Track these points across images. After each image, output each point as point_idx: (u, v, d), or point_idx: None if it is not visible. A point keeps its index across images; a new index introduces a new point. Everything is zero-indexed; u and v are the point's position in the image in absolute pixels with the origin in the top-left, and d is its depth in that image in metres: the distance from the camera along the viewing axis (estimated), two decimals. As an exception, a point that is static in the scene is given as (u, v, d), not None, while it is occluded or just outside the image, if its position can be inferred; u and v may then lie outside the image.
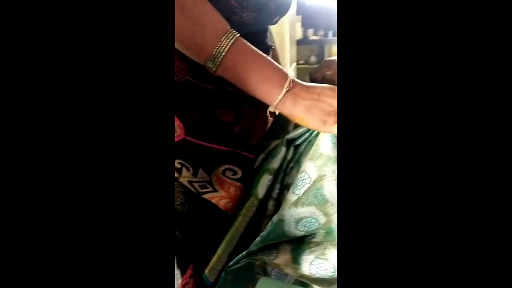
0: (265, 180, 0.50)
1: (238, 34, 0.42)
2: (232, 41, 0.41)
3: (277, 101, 0.43)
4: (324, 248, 0.47)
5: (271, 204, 0.50)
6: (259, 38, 0.53)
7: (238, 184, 0.56)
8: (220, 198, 0.55)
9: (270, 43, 0.58)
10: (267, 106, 0.46)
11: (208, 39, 0.40)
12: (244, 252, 0.49)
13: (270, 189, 0.51)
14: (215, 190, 0.55)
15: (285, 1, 0.54)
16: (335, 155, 0.44)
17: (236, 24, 0.46)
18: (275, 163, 0.51)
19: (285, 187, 0.50)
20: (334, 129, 0.44)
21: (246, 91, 0.45)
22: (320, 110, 0.44)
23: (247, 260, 0.48)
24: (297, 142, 0.50)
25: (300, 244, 0.49)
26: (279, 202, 0.50)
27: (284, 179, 0.50)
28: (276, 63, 0.45)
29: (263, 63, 0.44)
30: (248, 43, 0.43)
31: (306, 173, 0.46)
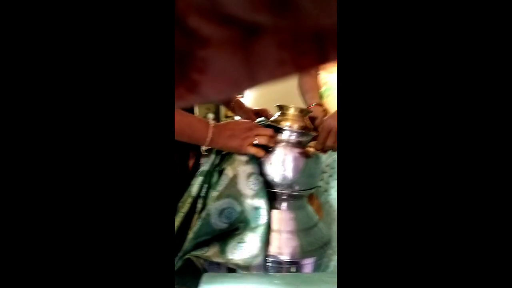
0: (198, 180, 0.64)
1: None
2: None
3: (207, 143, 0.62)
4: (243, 235, 0.60)
5: (200, 202, 0.63)
6: None
7: None
8: None
9: None
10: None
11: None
12: (180, 252, 0.58)
13: (200, 188, 0.63)
14: None
15: None
16: (246, 159, 0.62)
17: None
18: (206, 167, 0.65)
19: (210, 187, 0.63)
20: (249, 150, 0.61)
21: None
22: (237, 138, 0.62)
23: (184, 259, 0.58)
24: (224, 152, 0.65)
25: (226, 238, 0.61)
26: (206, 200, 0.63)
27: (211, 180, 0.64)
28: (200, 118, 0.67)
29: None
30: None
31: (225, 174, 0.61)
